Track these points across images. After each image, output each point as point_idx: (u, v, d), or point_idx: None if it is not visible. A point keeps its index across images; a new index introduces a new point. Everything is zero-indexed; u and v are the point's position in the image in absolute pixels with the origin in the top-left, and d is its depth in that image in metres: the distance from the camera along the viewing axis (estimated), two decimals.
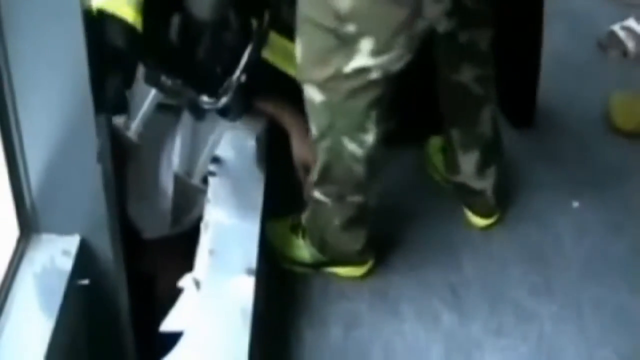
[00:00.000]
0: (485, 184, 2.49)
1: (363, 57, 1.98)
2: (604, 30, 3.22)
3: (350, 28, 1.95)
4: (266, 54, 2.22)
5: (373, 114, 2.10)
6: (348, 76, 2.01)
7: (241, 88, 2.17)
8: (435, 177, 2.64)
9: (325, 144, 2.15)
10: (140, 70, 2.18)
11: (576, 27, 3.30)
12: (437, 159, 2.62)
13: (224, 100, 2.16)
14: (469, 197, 2.54)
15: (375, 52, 1.97)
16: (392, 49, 1.98)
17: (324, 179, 2.22)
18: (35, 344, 1.75)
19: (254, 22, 2.20)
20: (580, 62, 3.12)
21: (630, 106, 2.86)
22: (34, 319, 1.79)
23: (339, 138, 2.13)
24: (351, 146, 2.14)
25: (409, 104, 2.60)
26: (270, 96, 2.40)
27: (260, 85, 2.29)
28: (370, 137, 2.13)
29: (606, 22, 3.27)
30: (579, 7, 3.38)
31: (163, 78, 2.14)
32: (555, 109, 2.91)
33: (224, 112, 2.23)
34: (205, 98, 2.16)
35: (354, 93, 2.05)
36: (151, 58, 2.14)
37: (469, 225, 2.55)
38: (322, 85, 2.06)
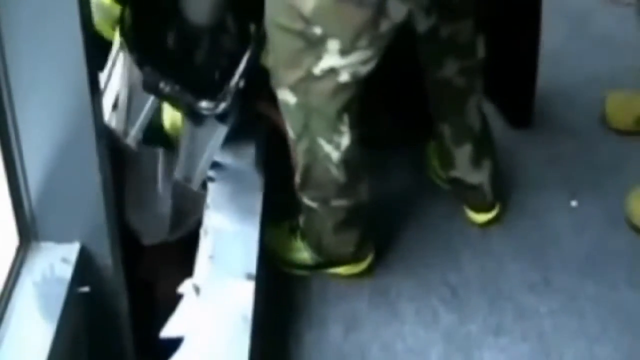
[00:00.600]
0: (481, 178, 2.51)
1: (332, 57, 2.01)
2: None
3: (317, 30, 1.97)
4: (264, 59, 2.23)
5: (345, 118, 2.13)
6: (318, 77, 2.04)
7: (240, 93, 2.18)
8: (435, 179, 2.66)
9: (302, 146, 2.18)
10: (139, 77, 2.19)
11: (575, 27, 3.30)
12: (436, 161, 2.63)
13: (222, 105, 2.16)
14: (466, 193, 2.55)
15: (343, 52, 2.00)
16: (359, 48, 2.00)
17: (305, 182, 2.25)
18: (35, 352, 1.75)
19: (252, 27, 2.20)
20: (578, 62, 3.12)
21: (625, 105, 2.86)
22: (34, 326, 1.80)
23: (315, 139, 2.15)
24: (327, 148, 2.16)
25: (409, 105, 2.63)
26: (269, 100, 2.41)
27: (260, 90, 2.30)
28: (345, 140, 2.16)
29: (605, 22, 3.28)
30: (578, 7, 3.39)
31: (161, 84, 2.15)
32: (554, 108, 2.92)
33: (222, 118, 2.24)
34: (204, 103, 2.17)
35: (325, 96, 2.07)
36: (149, 64, 2.14)
37: (469, 222, 2.57)
38: (294, 88, 2.09)
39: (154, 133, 2.38)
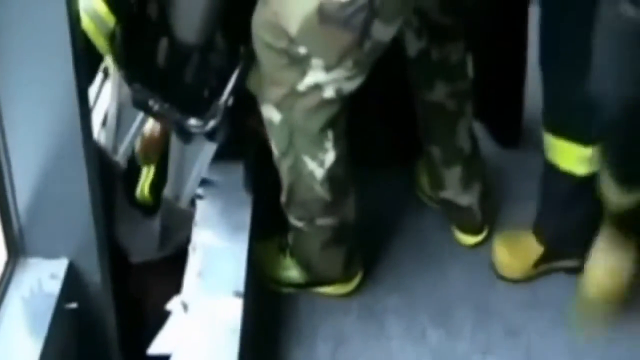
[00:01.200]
0: (471, 199, 2.51)
1: (316, 73, 2.02)
2: None
3: (301, 50, 1.99)
4: (249, 82, 2.21)
5: (330, 135, 2.13)
6: (303, 94, 2.05)
7: (229, 111, 2.18)
8: (422, 197, 2.66)
9: (286, 163, 2.19)
10: (128, 94, 2.20)
11: None
12: (425, 179, 2.64)
13: (211, 123, 2.16)
14: (456, 214, 2.56)
15: (327, 68, 2.01)
16: (344, 67, 2.01)
17: (290, 201, 2.25)
18: None
19: (242, 46, 2.21)
20: None
21: None
22: (22, 342, 1.79)
23: (300, 156, 2.16)
24: (311, 165, 2.16)
25: (400, 123, 2.64)
26: (258, 117, 2.41)
27: (248, 107, 2.30)
28: (329, 158, 2.16)
29: None
30: None
31: (151, 102, 2.15)
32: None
33: (211, 135, 2.24)
34: (193, 121, 2.17)
35: (309, 112, 2.08)
36: (138, 82, 2.15)
37: (458, 243, 2.57)
38: (278, 104, 2.10)
39: None
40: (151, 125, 2.35)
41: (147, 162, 2.41)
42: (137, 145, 2.38)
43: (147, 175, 2.42)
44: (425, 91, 2.40)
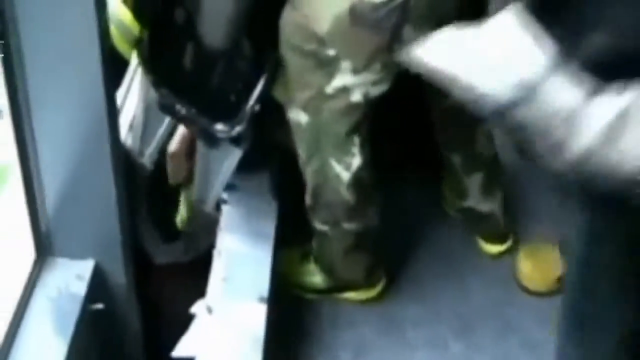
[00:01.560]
0: (493, 206, 2.52)
1: (344, 76, 2.03)
2: None
3: (330, 52, 2.00)
4: (274, 89, 2.22)
5: (356, 139, 2.15)
6: (330, 96, 2.07)
7: (255, 117, 2.19)
8: (448, 211, 2.66)
9: (312, 166, 2.20)
10: (155, 97, 2.20)
11: None
12: (448, 192, 2.63)
13: (238, 129, 2.17)
14: (479, 222, 2.56)
15: (356, 71, 2.02)
16: (372, 71, 2.03)
17: (315, 204, 2.26)
18: None
19: (269, 52, 2.22)
20: None
21: None
22: (47, 342, 1.81)
23: (326, 159, 2.17)
24: (338, 168, 2.18)
25: (424, 134, 2.63)
26: (283, 124, 2.42)
27: (274, 114, 2.31)
28: (356, 161, 2.17)
29: None
30: None
31: (177, 106, 2.16)
32: None
33: (237, 141, 2.25)
34: (219, 126, 2.17)
35: (336, 115, 2.10)
36: (166, 86, 2.16)
37: (480, 251, 2.57)
38: (305, 107, 2.11)
39: None
40: (175, 144, 2.34)
41: (178, 181, 2.41)
42: (168, 166, 2.38)
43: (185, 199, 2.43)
44: (442, 98, 2.40)
